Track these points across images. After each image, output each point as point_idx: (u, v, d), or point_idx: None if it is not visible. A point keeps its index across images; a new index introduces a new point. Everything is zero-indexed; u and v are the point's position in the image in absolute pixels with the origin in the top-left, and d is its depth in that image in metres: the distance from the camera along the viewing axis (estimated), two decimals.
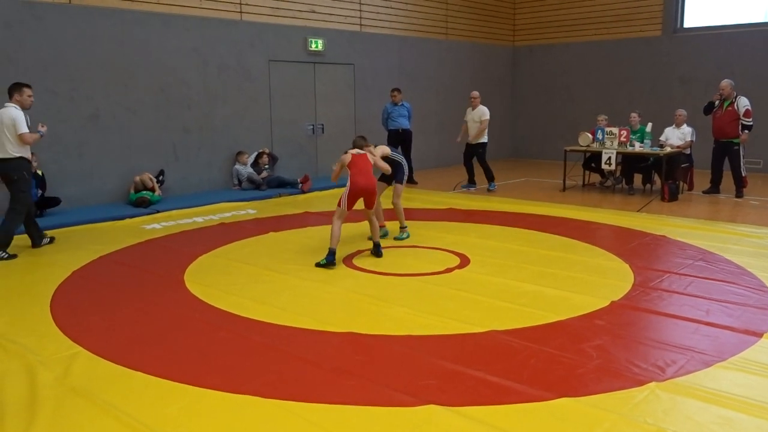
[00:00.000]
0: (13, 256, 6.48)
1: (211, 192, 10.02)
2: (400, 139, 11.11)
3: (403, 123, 11.20)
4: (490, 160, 10.93)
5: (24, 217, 6.67)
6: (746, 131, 9.47)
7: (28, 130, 6.47)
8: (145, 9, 9.24)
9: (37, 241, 6.90)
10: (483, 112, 10.66)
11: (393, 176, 6.92)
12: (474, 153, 10.78)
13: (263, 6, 10.69)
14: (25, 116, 6.53)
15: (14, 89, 6.57)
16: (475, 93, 10.90)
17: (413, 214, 8.31)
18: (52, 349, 4.03)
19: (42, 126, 6.77)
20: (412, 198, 9.99)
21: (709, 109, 9.85)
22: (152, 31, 9.32)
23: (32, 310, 4.81)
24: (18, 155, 6.48)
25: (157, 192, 9.08)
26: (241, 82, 10.50)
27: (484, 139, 10.76)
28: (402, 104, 11.19)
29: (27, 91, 6.60)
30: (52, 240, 7.09)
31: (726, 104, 9.59)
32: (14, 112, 6.44)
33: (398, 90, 11.20)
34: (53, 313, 4.71)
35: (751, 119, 9.44)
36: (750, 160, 11.36)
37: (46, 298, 5.06)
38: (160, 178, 9.29)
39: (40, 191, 8.01)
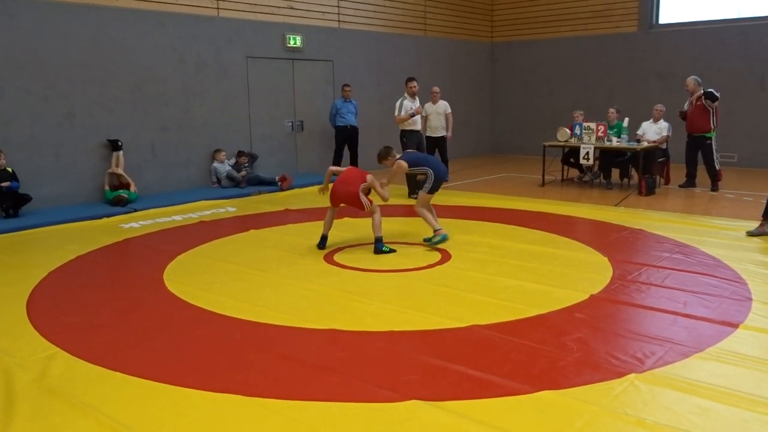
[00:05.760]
0: None
1: (189, 190, 9.92)
2: (349, 135, 11.18)
3: (352, 120, 11.21)
4: (471, 156, 10.95)
5: None
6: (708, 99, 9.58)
7: (399, 113, 9.38)
8: (120, 5, 9.10)
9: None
10: (446, 105, 10.80)
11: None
12: (437, 145, 10.72)
13: (240, 2, 10.60)
14: (406, 101, 9.43)
15: (405, 82, 9.59)
16: (436, 88, 11.01)
17: (395, 211, 8.31)
18: (29, 351, 3.96)
19: (417, 110, 9.46)
20: (392, 195, 9.97)
21: (685, 115, 10.01)
22: (128, 27, 9.20)
23: (8, 311, 4.73)
24: (402, 129, 9.57)
25: (133, 188, 8.99)
26: (218, 80, 10.41)
27: (444, 131, 10.92)
28: (351, 101, 11.20)
29: (410, 84, 9.55)
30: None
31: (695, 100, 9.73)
32: (399, 101, 9.50)
33: (349, 86, 11.23)
34: (30, 314, 4.64)
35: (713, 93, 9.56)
36: (725, 154, 11.53)
37: (22, 299, 4.98)
38: (119, 143, 9.10)
39: (8, 183, 7.87)
